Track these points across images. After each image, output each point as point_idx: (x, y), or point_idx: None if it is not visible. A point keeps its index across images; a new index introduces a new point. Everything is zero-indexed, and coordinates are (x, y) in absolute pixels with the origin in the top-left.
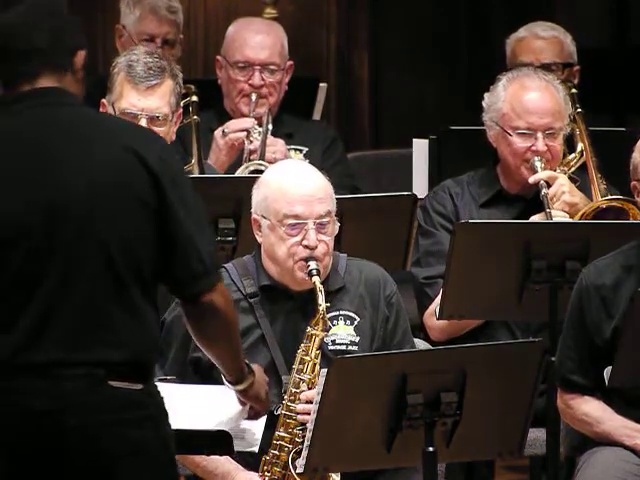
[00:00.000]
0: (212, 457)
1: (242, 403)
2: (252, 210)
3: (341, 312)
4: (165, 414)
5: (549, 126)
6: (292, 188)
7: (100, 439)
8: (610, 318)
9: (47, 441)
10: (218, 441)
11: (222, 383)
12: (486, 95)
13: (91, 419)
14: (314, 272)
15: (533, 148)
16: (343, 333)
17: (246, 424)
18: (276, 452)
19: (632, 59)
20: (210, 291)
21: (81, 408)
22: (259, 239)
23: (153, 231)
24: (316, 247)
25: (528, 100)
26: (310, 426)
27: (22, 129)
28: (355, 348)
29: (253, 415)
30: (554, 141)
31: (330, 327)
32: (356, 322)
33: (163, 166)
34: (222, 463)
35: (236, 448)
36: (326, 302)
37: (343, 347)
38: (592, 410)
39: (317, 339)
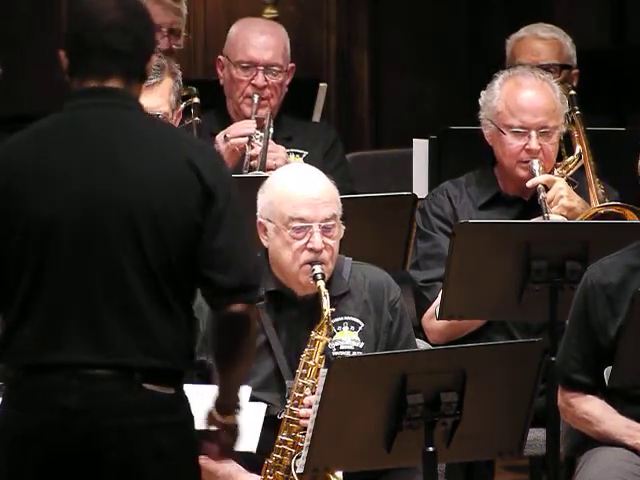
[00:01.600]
0: None
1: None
2: (258, 214)
3: (345, 318)
4: (193, 420)
5: (543, 125)
6: (297, 191)
7: (131, 441)
8: (615, 317)
9: (79, 439)
10: None
11: None
12: (482, 93)
13: (124, 420)
14: (319, 276)
15: (527, 147)
16: (347, 339)
17: (244, 424)
18: (279, 456)
19: (631, 59)
20: (248, 305)
21: (115, 409)
22: (265, 243)
23: (198, 243)
24: (321, 250)
25: (522, 98)
26: (310, 426)
27: (85, 125)
28: (359, 354)
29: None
30: (548, 140)
31: (334, 333)
32: (360, 328)
33: (218, 181)
34: (223, 465)
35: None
36: (330, 307)
37: (347, 353)
38: (593, 409)
39: (321, 344)
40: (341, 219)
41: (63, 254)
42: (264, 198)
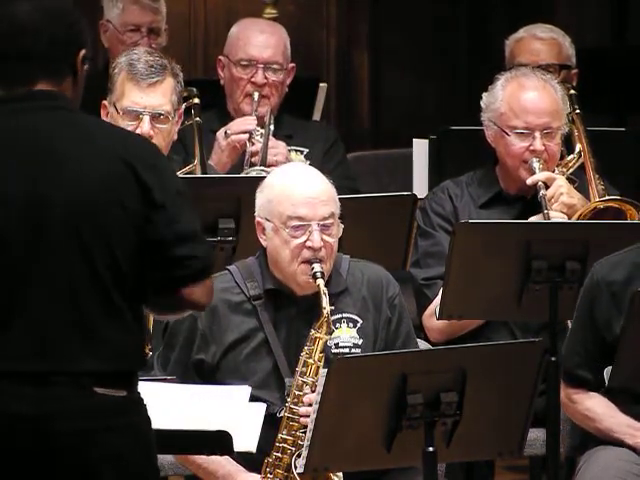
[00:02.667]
0: (213, 458)
1: None
2: (256, 213)
3: (344, 315)
4: (148, 421)
5: (547, 126)
6: (296, 190)
7: (86, 445)
8: (620, 314)
9: (29, 446)
10: (218, 441)
11: (223, 384)
12: (484, 95)
13: (78, 425)
14: (318, 275)
15: (531, 148)
16: (346, 336)
17: (244, 424)
18: (279, 454)
19: (631, 59)
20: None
21: (68, 413)
22: (263, 242)
23: (142, 239)
24: (320, 249)
25: (526, 99)
26: (310, 426)
27: (16, 130)
28: (358, 351)
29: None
30: (551, 141)
31: (333, 330)
32: (359, 324)
33: (154, 175)
34: (223, 465)
35: (235, 448)
36: (330, 305)
37: (346, 350)
38: (596, 406)
39: (321, 342)
40: (340, 218)
41: (6, 263)
42: (262, 197)
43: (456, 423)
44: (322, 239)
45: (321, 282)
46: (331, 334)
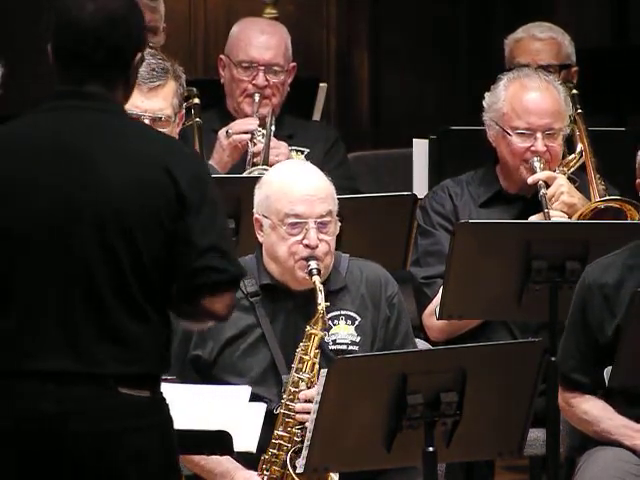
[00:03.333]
0: (212, 457)
1: None
2: (254, 210)
3: (342, 312)
4: (170, 422)
5: (549, 126)
6: (294, 187)
7: (106, 445)
8: (613, 317)
9: (54, 444)
10: (218, 441)
11: (221, 382)
12: (487, 95)
13: (101, 424)
14: (314, 272)
15: (532, 148)
16: (344, 333)
17: (244, 424)
18: (275, 451)
19: (632, 59)
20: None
21: (89, 413)
22: (260, 238)
23: (169, 246)
24: (317, 246)
25: (528, 100)
26: (310, 426)
27: (57, 129)
28: (356, 348)
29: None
30: (554, 142)
31: (330, 327)
32: (357, 322)
33: (191, 187)
34: (221, 462)
35: (235, 448)
36: (327, 302)
37: (344, 347)
38: (592, 409)
39: (316, 338)
40: (339, 216)
41: (32, 263)
42: (260, 194)
43: (456, 423)
44: (319, 237)
45: (317, 279)
46: (327, 331)
